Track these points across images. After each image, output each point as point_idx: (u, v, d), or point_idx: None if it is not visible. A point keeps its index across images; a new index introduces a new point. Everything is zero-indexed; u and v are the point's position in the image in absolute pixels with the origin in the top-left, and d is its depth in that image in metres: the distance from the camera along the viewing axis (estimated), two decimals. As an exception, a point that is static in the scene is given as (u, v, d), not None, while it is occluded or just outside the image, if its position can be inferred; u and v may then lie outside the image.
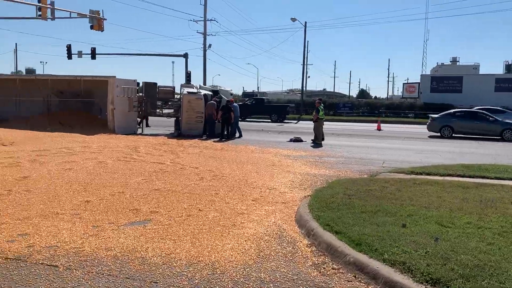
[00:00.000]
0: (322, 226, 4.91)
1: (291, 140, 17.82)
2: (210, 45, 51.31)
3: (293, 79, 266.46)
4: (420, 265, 3.75)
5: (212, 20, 55.46)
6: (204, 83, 46.64)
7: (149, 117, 22.29)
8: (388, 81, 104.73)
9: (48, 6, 19.77)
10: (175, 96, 21.61)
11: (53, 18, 20.61)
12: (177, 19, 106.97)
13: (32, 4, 19.70)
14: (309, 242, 4.79)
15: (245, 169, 10.12)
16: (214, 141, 17.18)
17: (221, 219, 5.71)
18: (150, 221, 5.54)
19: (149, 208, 6.21)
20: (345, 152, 14.30)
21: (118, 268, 3.94)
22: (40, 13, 20.10)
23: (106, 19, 24.01)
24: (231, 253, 4.41)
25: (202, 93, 19.36)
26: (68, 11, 21.65)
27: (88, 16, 22.88)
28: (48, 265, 3.96)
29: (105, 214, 5.86)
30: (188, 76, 43.52)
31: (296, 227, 5.39)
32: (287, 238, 4.98)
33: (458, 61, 71.87)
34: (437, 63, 73.39)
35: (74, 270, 3.86)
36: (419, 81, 43.95)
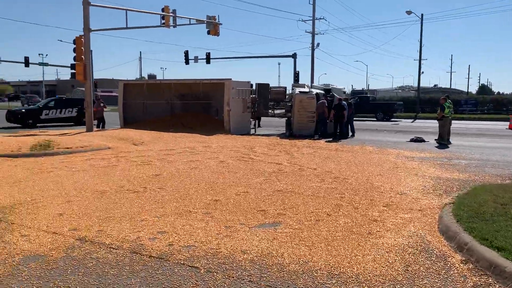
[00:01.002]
0: (478, 240, 4.27)
1: (411, 140, 16.66)
2: (318, 44, 50.78)
3: (404, 76, 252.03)
4: None
5: (320, 18, 54.99)
6: (312, 82, 46.30)
7: (261, 118, 22.71)
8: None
9: (171, 14, 21.07)
10: (286, 96, 21.63)
11: (175, 26, 21.92)
12: (286, 20, 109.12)
13: (157, 14, 21.16)
14: (463, 258, 4.19)
15: (366, 171, 9.57)
16: (326, 141, 16.77)
17: (354, 226, 5.33)
18: (279, 224, 5.38)
19: (275, 210, 6.08)
20: (477, 154, 12.88)
21: (257, 274, 3.80)
22: (163, 21, 21.52)
23: (221, 24, 24.92)
24: (374, 266, 4.02)
25: (313, 92, 19.06)
26: (188, 18, 22.88)
27: (205, 21, 23.96)
28: (190, 266, 3.98)
29: (235, 214, 5.85)
30: (296, 76, 43.61)
31: (443, 239, 4.80)
32: (435, 251, 4.43)
33: None
34: None
35: (215, 273, 3.82)
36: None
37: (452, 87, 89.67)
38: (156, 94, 21.57)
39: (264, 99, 20.72)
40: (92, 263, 4.05)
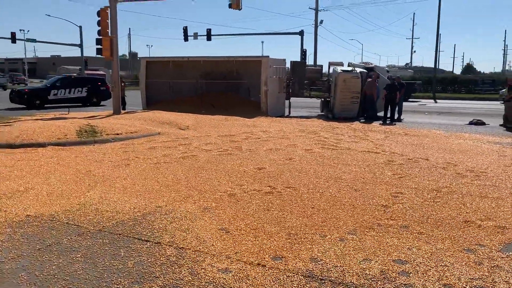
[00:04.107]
0: None
1: (471, 123, 15.62)
2: (321, 21, 49.27)
3: (388, 55, 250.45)
4: None
5: (324, -6, 53.08)
6: (315, 61, 44.86)
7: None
8: (505, 54, 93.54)
9: (198, -15, 19.29)
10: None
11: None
12: None
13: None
14: None
15: (485, 162, 8.40)
16: (381, 124, 15.65)
17: None
18: (525, 244, 4.17)
19: (480, 220, 4.86)
20: None
21: None
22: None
23: (244, -3, 23.17)
24: None
25: (358, 71, 17.75)
26: (212, -11, 21.13)
27: (228, -7, 22.21)
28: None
29: (438, 226, 4.61)
30: (303, 54, 42.03)
31: None
32: None
33: None
34: None
35: None
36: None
37: (438, 67, 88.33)
38: (182, 72, 19.88)
39: (300, 79, 19.27)
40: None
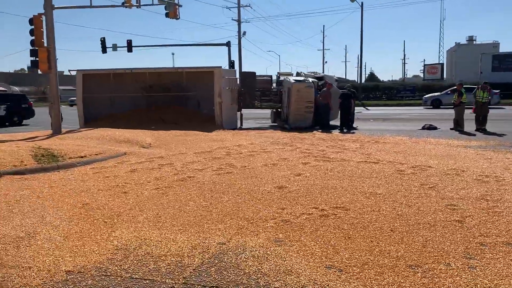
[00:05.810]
0: None
1: (424, 128, 16.27)
2: (244, 33, 49.56)
3: (298, 66, 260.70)
4: None
5: (246, 6, 53.57)
6: (240, 72, 44.77)
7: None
8: (404, 63, 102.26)
9: (135, -7, 17.96)
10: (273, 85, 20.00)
11: (138, 6, 18.83)
12: (212, 7, 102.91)
13: (119, -7, 17.87)
14: None
15: (480, 166, 8.54)
16: (340, 133, 15.76)
17: None
18: None
19: None
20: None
21: None
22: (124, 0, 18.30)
23: (181, 6, 22.19)
24: None
25: (310, 81, 17.75)
26: (151, -3, 19.84)
27: (166, 2, 21.09)
28: None
29: (541, 241, 4.34)
30: (231, 65, 41.66)
31: None
32: None
33: (475, 40, 69.62)
34: (455, 42, 70.92)
35: None
36: (438, 62, 42.00)
37: (341, 76, 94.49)
38: (124, 85, 18.34)
39: (250, 89, 18.80)
40: None
